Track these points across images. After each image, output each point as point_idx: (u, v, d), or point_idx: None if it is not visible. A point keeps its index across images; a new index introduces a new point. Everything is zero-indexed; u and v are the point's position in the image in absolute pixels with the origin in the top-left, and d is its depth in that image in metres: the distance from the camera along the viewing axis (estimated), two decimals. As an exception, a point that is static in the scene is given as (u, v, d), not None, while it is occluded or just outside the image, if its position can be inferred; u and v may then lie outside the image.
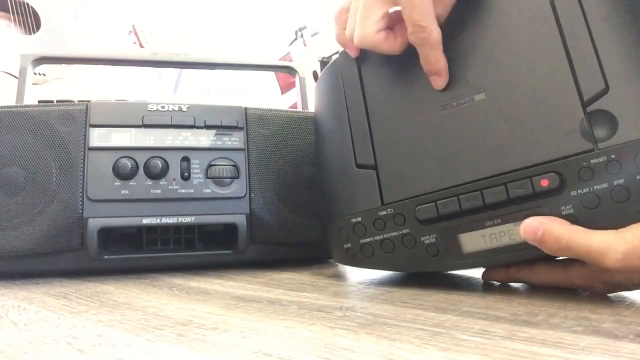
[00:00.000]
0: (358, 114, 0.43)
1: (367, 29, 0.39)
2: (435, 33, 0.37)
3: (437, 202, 0.37)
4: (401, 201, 0.39)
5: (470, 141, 0.36)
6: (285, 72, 0.71)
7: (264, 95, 1.85)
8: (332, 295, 0.38)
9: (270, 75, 1.77)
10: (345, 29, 0.42)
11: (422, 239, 0.38)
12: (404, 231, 0.39)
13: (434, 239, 0.38)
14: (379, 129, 0.41)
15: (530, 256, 0.34)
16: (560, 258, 0.37)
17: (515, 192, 0.34)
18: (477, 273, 0.44)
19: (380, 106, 0.42)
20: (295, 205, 0.55)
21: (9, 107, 0.50)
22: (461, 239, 0.37)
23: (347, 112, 0.44)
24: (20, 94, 0.58)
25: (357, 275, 0.49)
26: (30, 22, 1.42)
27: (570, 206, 0.32)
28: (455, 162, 0.37)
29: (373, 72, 0.43)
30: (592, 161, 0.32)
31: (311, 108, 0.66)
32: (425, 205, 0.38)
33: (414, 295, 0.37)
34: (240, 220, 0.52)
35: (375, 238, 0.40)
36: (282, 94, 1.78)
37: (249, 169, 0.53)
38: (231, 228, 0.52)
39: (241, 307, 0.35)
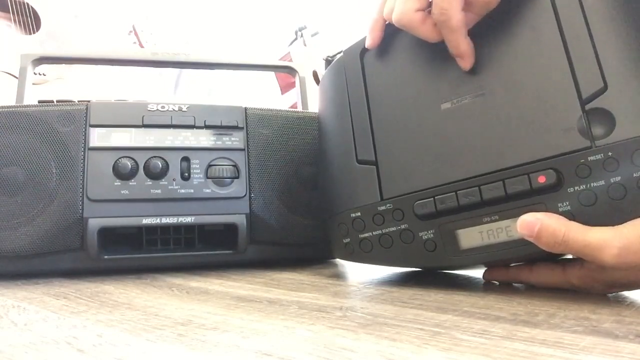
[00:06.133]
0: (360, 111, 0.43)
1: (407, 6, 0.39)
2: (455, 18, 0.36)
3: (436, 197, 0.37)
4: (400, 196, 0.39)
5: (469, 138, 0.37)
6: (285, 72, 0.71)
7: (264, 95, 1.85)
8: (332, 295, 0.38)
9: (270, 75, 1.77)
10: (384, 12, 0.42)
11: (420, 234, 0.38)
12: (403, 226, 0.39)
13: (431, 235, 0.38)
14: (380, 126, 0.42)
15: (527, 253, 0.34)
16: (559, 259, 0.37)
17: (513, 188, 0.34)
18: (477, 273, 0.44)
19: (381, 103, 0.42)
20: (295, 205, 0.55)
21: (9, 107, 0.50)
22: (459, 235, 0.37)
23: (349, 109, 0.44)
24: (20, 94, 0.58)
25: (357, 275, 0.49)
26: (30, 22, 1.42)
27: (567, 203, 0.32)
28: (454, 158, 0.37)
29: (376, 70, 0.43)
30: (589, 158, 0.32)
31: (311, 108, 0.66)
32: (423, 201, 0.38)
33: (414, 295, 0.37)
34: (240, 220, 0.52)
35: (374, 233, 0.40)
36: (282, 94, 1.78)
37: (249, 169, 0.53)
38: (231, 228, 0.52)
39: (241, 307, 0.35)
